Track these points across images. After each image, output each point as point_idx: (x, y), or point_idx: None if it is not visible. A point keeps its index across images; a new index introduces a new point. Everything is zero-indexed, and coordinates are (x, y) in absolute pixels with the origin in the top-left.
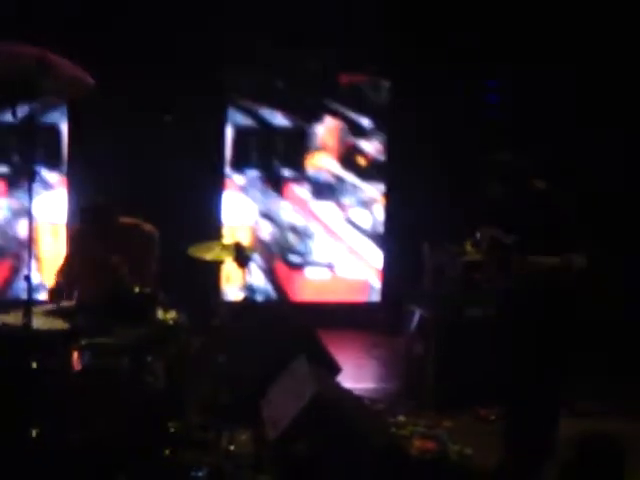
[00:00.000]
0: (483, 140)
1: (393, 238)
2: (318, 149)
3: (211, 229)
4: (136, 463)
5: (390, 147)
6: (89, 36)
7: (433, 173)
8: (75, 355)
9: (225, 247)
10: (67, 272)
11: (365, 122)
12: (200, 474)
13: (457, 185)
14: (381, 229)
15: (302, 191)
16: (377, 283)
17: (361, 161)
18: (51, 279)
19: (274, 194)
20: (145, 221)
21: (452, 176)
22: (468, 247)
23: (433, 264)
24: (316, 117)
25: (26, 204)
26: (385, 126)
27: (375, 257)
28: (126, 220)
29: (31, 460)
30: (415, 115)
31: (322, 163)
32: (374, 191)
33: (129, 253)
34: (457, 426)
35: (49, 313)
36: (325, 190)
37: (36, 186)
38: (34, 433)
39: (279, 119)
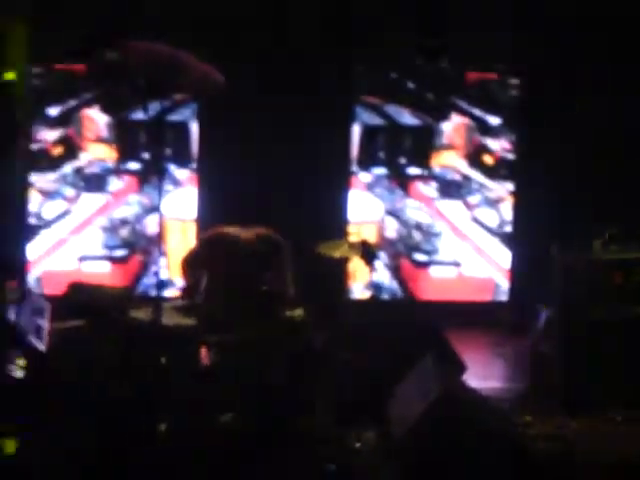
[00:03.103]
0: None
1: (522, 237)
2: (445, 147)
3: (337, 227)
4: (264, 460)
5: (519, 145)
6: (217, 34)
7: (562, 172)
8: (203, 351)
9: (352, 245)
10: (197, 269)
11: (493, 120)
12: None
13: (586, 184)
14: (508, 228)
15: (428, 189)
16: (504, 282)
17: (488, 159)
18: (180, 275)
19: (400, 192)
20: (272, 220)
21: (581, 175)
22: (597, 246)
23: (562, 263)
24: (443, 115)
25: (156, 201)
26: (514, 124)
27: (501, 256)
28: (258, 231)
29: (160, 455)
30: (545, 113)
31: (449, 161)
32: (501, 190)
33: (261, 262)
34: (585, 427)
35: (178, 309)
36: (451, 188)
37: (166, 183)
38: (163, 427)
39: (406, 117)
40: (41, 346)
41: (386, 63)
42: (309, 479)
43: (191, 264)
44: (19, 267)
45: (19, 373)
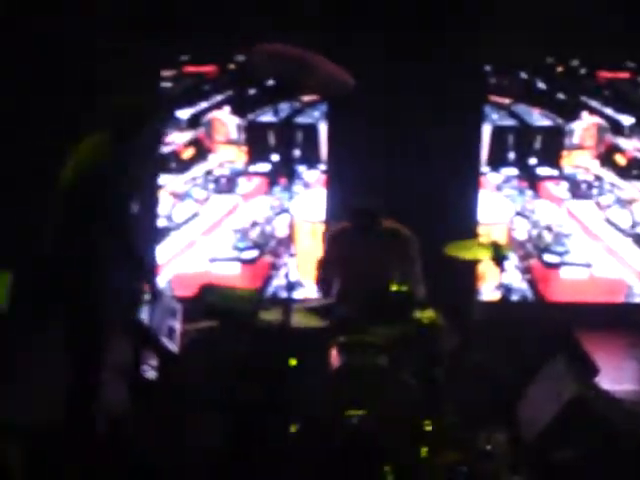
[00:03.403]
0: None
1: None
2: (576, 147)
3: (467, 228)
4: (395, 461)
5: None
6: (345, 35)
7: None
8: (333, 353)
9: (482, 246)
10: (325, 270)
11: (625, 120)
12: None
13: None
14: None
15: (559, 190)
16: (636, 283)
17: (620, 159)
18: (310, 277)
19: (530, 193)
20: (401, 220)
21: None
22: None
23: None
24: (574, 115)
25: (285, 202)
26: None
27: (634, 257)
28: (387, 224)
29: (291, 456)
30: None
31: (580, 161)
32: (634, 190)
33: (389, 258)
34: None
35: (308, 310)
36: (583, 189)
37: (295, 185)
38: (293, 429)
39: (537, 117)
40: (173, 347)
41: (516, 63)
42: None
43: (321, 265)
44: (151, 269)
45: (152, 374)
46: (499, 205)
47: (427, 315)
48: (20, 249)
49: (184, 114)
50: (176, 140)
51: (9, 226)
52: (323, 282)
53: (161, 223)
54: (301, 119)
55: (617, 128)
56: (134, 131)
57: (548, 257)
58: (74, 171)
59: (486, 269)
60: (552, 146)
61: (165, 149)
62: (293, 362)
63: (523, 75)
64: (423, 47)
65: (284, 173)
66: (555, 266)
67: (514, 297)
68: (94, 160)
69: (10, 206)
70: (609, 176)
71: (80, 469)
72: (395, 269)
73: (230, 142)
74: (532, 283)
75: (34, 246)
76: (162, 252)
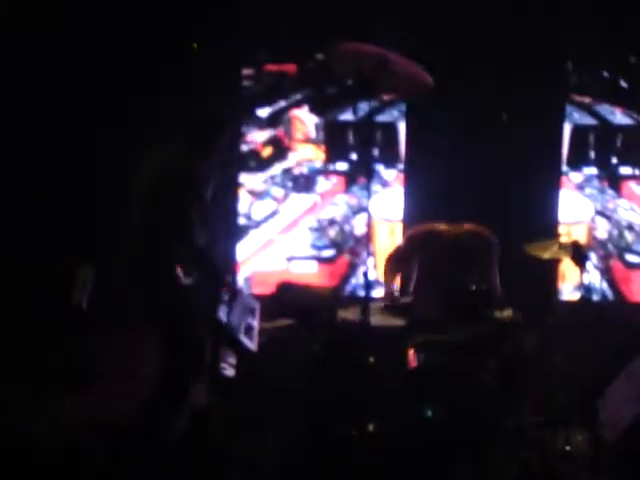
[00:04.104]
0: None
1: None
2: None
3: (548, 227)
4: (472, 460)
5: None
6: (425, 36)
7: None
8: (411, 352)
9: (562, 246)
10: (405, 268)
11: None
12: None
13: None
14: None
15: None
16: None
17: None
18: (382, 274)
19: (611, 192)
20: (482, 220)
21: None
22: None
23: None
24: None
25: (364, 201)
26: None
27: None
28: (467, 226)
29: (368, 455)
30: None
31: None
32: None
33: (470, 259)
34: None
35: (386, 309)
36: None
37: (374, 183)
38: (371, 428)
39: (618, 116)
40: (252, 345)
41: (598, 61)
42: None
43: (396, 261)
44: (230, 267)
45: (231, 372)
46: (580, 204)
47: (506, 315)
48: (104, 247)
49: (263, 112)
50: (255, 138)
51: (92, 225)
52: (393, 279)
53: (240, 221)
54: (380, 118)
55: None
56: (212, 146)
57: (629, 257)
58: (155, 175)
59: (566, 269)
60: (633, 145)
61: (245, 147)
62: (371, 361)
63: (605, 74)
64: (504, 46)
65: (363, 172)
66: (636, 266)
67: (595, 297)
68: (172, 168)
69: (91, 206)
70: None
71: (160, 465)
72: (475, 270)
73: (309, 141)
74: (613, 283)
75: (117, 245)
76: (241, 250)
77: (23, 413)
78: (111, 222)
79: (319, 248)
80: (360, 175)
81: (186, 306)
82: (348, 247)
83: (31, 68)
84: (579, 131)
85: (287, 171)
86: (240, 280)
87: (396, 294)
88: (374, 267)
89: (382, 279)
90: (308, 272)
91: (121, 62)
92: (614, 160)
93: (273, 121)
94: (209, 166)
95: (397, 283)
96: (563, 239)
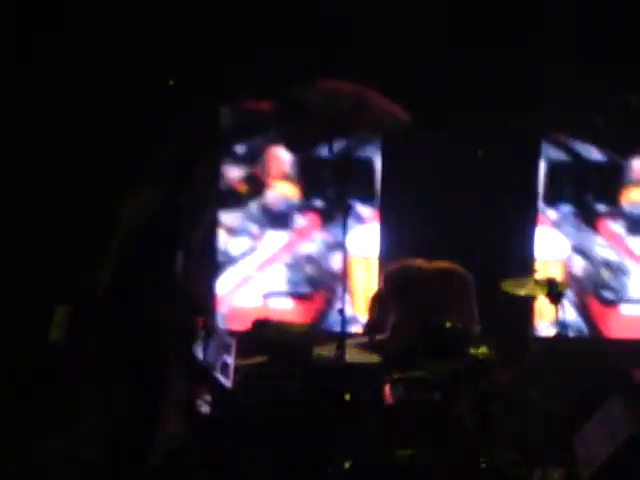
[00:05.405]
0: None
1: None
2: (635, 184)
3: (523, 264)
4: None
5: None
6: (401, 69)
7: None
8: (387, 388)
9: (538, 283)
10: (381, 307)
11: None
12: None
13: None
14: None
15: (617, 226)
16: None
17: None
18: (364, 313)
19: (588, 229)
20: (458, 257)
21: None
22: None
23: None
24: (633, 151)
25: (340, 238)
26: None
27: None
28: (443, 264)
29: None
30: None
31: (638, 198)
32: None
33: (446, 296)
34: None
35: (362, 346)
36: None
37: (350, 220)
38: (347, 465)
39: (594, 153)
40: (227, 382)
41: (573, 98)
42: None
43: (377, 300)
44: (208, 304)
45: (206, 409)
46: (556, 241)
47: (482, 351)
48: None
49: (240, 149)
50: (232, 175)
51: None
52: (376, 321)
53: (218, 258)
54: (357, 154)
55: None
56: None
57: (605, 293)
58: (131, 217)
59: (542, 306)
60: (610, 182)
61: (222, 184)
62: (347, 397)
63: (581, 112)
64: (480, 82)
65: (339, 208)
66: (612, 303)
67: (571, 333)
68: (148, 209)
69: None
70: None
71: None
72: (451, 307)
73: (285, 177)
74: (589, 319)
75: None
76: (219, 286)
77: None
78: (86, 258)
79: (295, 284)
80: (336, 212)
81: (156, 341)
82: (324, 284)
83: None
84: (555, 168)
85: (264, 208)
86: (217, 317)
87: (375, 331)
88: (350, 303)
89: (367, 316)
90: (285, 308)
91: (96, 98)
92: (590, 197)
93: (250, 158)
94: (190, 199)
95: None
96: (539, 276)
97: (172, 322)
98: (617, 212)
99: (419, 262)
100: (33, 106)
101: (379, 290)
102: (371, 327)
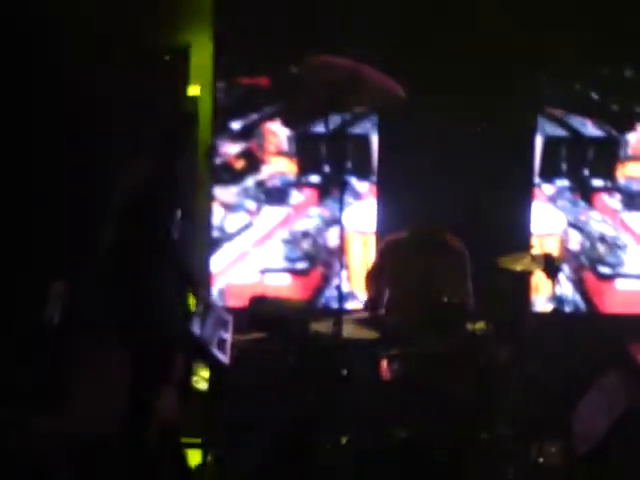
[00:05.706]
0: None
1: None
2: (630, 159)
3: (519, 240)
4: (445, 473)
5: None
6: (402, 50)
7: None
8: (384, 364)
9: (534, 258)
10: (377, 281)
11: None
12: None
13: None
14: None
15: (613, 201)
16: None
17: None
18: (361, 289)
19: (583, 204)
20: (453, 232)
21: None
22: None
23: None
24: (629, 126)
25: (337, 213)
26: None
27: None
28: (440, 237)
29: (336, 467)
30: None
31: (634, 173)
32: None
33: (442, 268)
34: None
35: (359, 322)
36: (637, 200)
37: (346, 196)
38: (343, 440)
39: (590, 128)
40: (224, 359)
41: (570, 73)
42: None
43: (372, 277)
44: (203, 280)
45: (202, 385)
46: (552, 216)
47: (478, 327)
48: (76, 262)
49: (236, 125)
50: (228, 151)
51: (66, 239)
52: (373, 297)
53: (214, 234)
54: (353, 130)
55: None
56: (184, 143)
57: (601, 268)
58: (127, 188)
59: (539, 281)
60: (606, 157)
61: (218, 160)
62: (344, 372)
63: (577, 86)
64: (475, 60)
65: (336, 184)
66: (609, 278)
67: (567, 309)
68: (145, 178)
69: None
70: None
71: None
72: (447, 282)
73: (282, 153)
74: (585, 295)
75: (89, 260)
76: (215, 263)
77: None
78: (83, 238)
79: (292, 260)
80: (333, 187)
81: (157, 320)
82: (321, 260)
83: None
84: (551, 143)
85: (260, 183)
86: (214, 293)
87: (373, 307)
88: (347, 279)
89: (364, 293)
90: (281, 285)
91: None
92: (586, 172)
93: (246, 134)
94: (183, 167)
95: (375, 296)
96: (535, 251)
97: (172, 294)
98: (613, 187)
99: (412, 235)
100: None
101: (374, 265)
102: (372, 304)
